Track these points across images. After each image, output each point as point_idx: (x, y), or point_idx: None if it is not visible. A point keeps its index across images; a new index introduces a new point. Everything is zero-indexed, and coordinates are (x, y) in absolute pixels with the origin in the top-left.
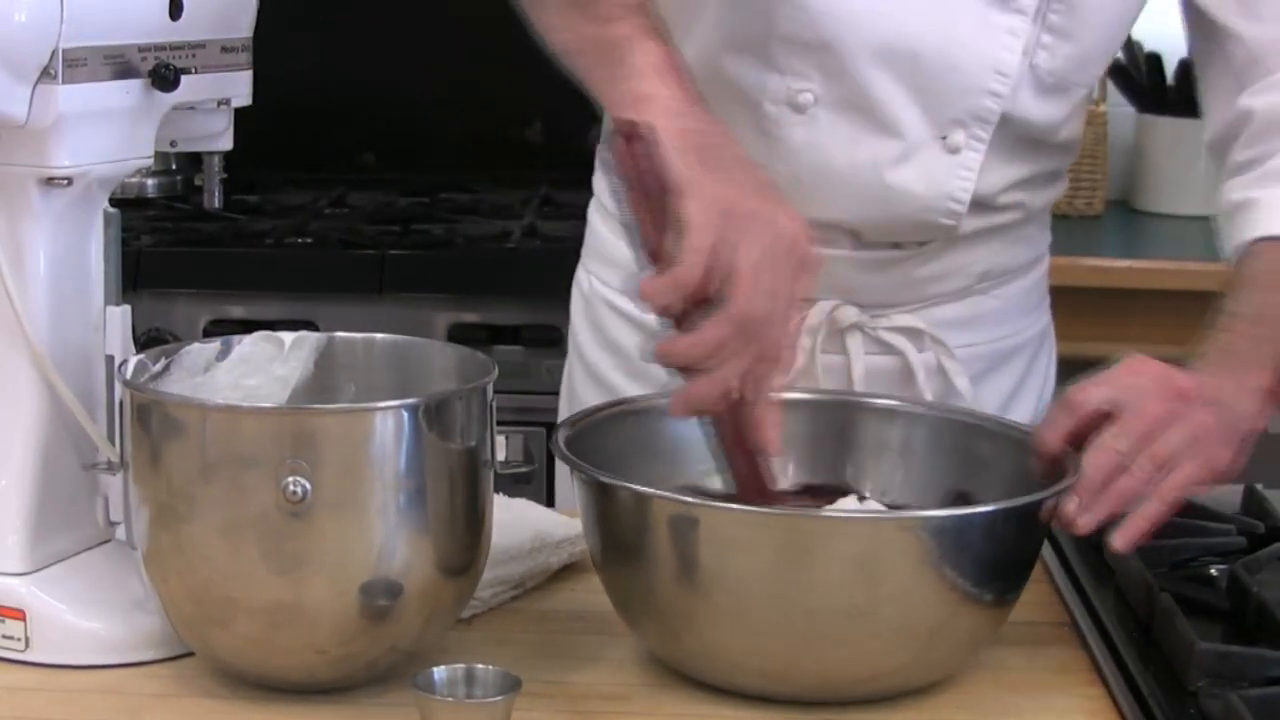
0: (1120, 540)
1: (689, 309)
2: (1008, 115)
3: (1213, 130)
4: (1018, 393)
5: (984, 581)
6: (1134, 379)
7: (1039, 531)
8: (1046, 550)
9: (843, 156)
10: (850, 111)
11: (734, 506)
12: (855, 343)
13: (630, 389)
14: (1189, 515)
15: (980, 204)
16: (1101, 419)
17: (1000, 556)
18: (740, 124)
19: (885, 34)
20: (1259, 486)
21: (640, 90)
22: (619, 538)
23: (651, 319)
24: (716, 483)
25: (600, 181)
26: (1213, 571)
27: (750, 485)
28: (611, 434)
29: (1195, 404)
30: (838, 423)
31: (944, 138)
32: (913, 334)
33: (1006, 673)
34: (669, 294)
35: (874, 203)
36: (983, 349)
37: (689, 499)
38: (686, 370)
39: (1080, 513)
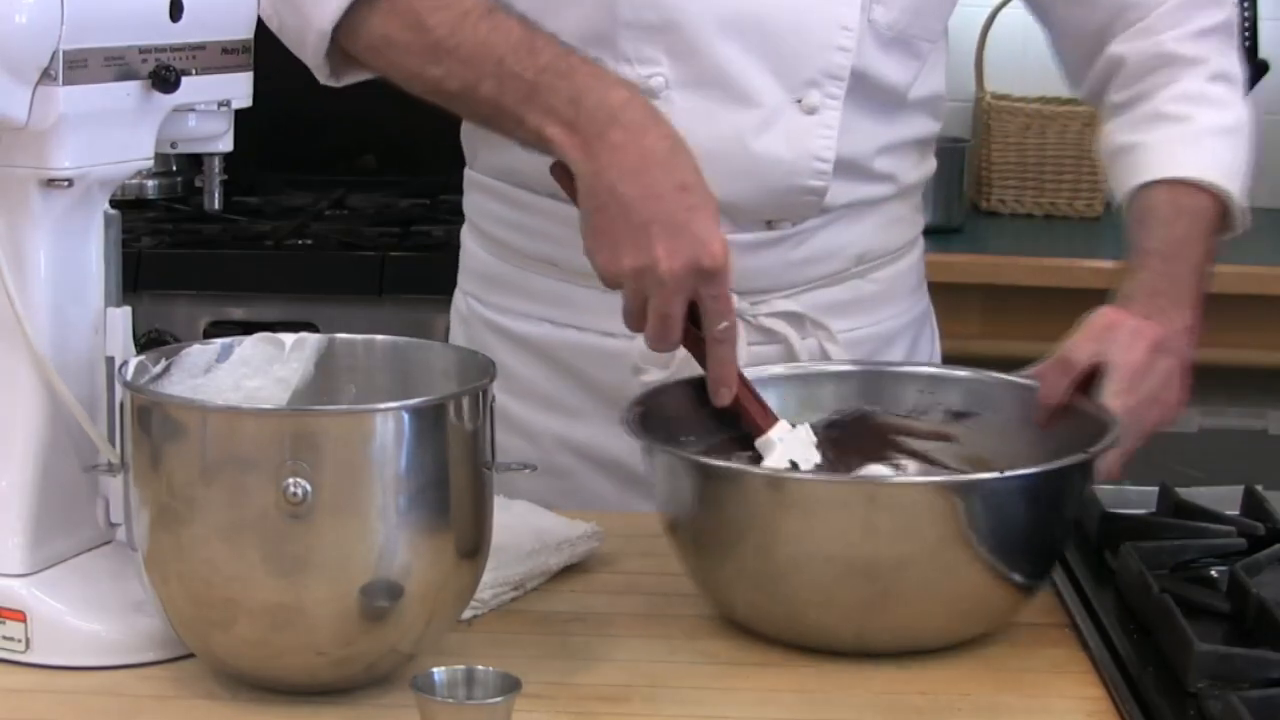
0: (1106, 473)
1: None
2: (859, 72)
3: (1082, 79)
4: None
5: (1033, 535)
6: (1111, 332)
7: (1084, 486)
8: None
9: (704, 134)
10: (704, 88)
11: (814, 477)
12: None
13: (514, 408)
14: (1190, 517)
15: (854, 169)
16: (1090, 371)
17: (1051, 511)
18: None
19: (728, 5)
20: (1259, 488)
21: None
22: (705, 511)
23: (527, 331)
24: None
25: (470, 203)
26: (1213, 573)
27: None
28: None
29: (1161, 353)
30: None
31: (799, 100)
32: (794, 319)
33: (1006, 673)
34: None
35: (742, 175)
36: (865, 332)
37: (776, 472)
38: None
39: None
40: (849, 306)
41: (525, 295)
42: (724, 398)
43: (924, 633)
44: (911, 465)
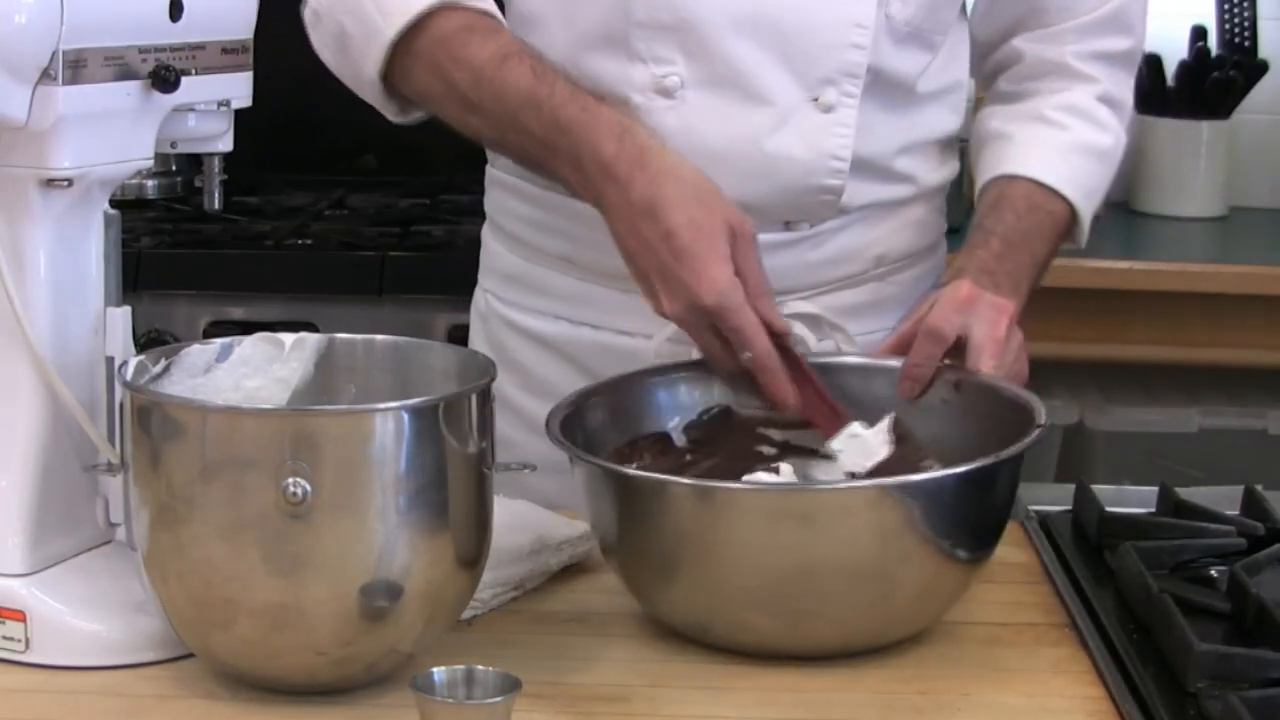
0: None
1: None
2: (874, 69)
3: (981, 63)
4: None
5: (965, 534)
6: (973, 305)
7: (1012, 483)
8: (1046, 551)
9: (719, 134)
10: (719, 87)
11: (734, 486)
12: None
13: (531, 406)
14: (1189, 517)
15: (872, 169)
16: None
17: (978, 510)
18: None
19: (742, 4)
20: (1259, 488)
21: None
22: (630, 519)
23: (544, 329)
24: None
25: (491, 201)
26: (1213, 573)
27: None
28: (591, 414)
29: (1014, 327)
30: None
31: (815, 98)
32: (811, 321)
33: (1006, 673)
34: None
35: (758, 175)
36: (883, 335)
37: (699, 482)
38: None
39: None
40: (867, 309)
41: (543, 293)
42: (787, 412)
43: (876, 632)
44: (785, 464)
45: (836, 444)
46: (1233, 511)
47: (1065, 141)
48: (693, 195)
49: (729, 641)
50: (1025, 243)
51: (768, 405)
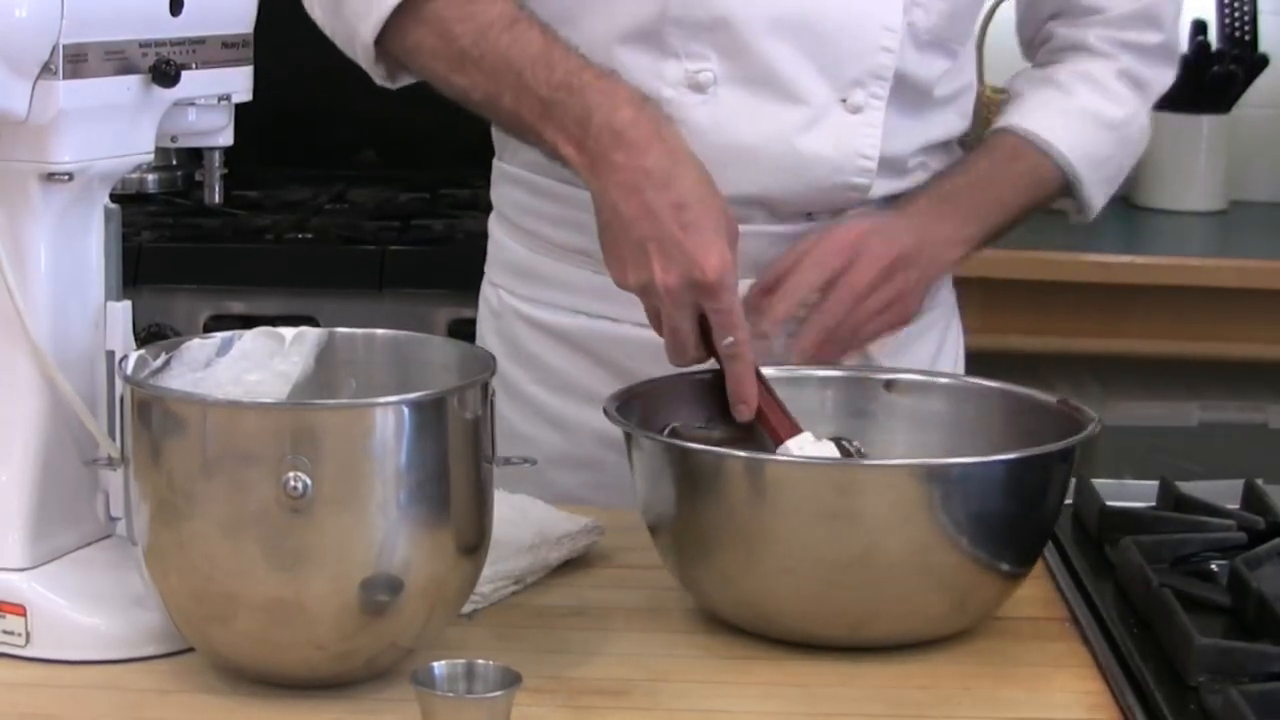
0: (799, 353)
1: None
2: (898, 74)
3: (1023, 37)
4: (934, 364)
5: (1011, 527)
6: (855, 244)
7: (1063, 477)
8: (1047, 546)
9: (750, 130)
10: (752, 85)
11: (787, 459)
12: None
13: (549, 402)
14: (1190, 511)
15: (892, 166)
16: None
17: (1022, 507)
18: None
19: (777, 4)
20: (1259, 482)
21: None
22: (682, 496)
23: (562, 323)
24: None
25: (500, 195)
26: (1213, 567)
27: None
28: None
29: (898, 269)
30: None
31: (844, 99)
32: None
33: (1007, 667)
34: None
35: (787, 172)
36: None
37: (754, 455)
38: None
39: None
40: None
41: (559, 287)
42: (742, 414)
43: (909, 627)
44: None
45: (794, 444)
46: (1233, 505)
47: (1070, 105)
48: (701, 176)
49: (783, 631)
50: (993, 185)
51: (722, 411)
